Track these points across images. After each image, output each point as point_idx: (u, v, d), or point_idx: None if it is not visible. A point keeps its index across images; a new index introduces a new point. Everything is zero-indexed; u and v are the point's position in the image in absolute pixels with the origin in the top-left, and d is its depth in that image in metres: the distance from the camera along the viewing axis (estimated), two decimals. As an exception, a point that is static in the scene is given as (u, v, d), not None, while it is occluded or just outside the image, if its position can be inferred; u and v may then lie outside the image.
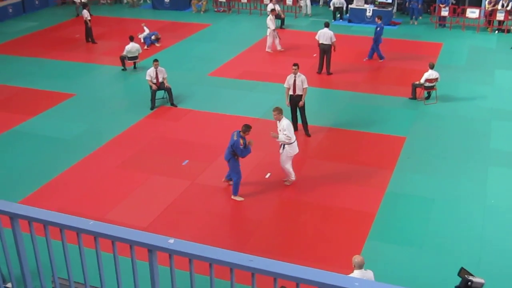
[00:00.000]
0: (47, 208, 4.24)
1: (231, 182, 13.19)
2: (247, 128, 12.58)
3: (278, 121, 13.10)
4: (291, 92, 15.55)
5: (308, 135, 15.74)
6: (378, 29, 21.82)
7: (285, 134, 12.83)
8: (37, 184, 13.56)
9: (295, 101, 15.53)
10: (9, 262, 4.36)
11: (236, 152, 12.54)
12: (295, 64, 15.58)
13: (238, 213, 12.73)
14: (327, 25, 20.63)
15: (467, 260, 10.39)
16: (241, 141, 12.46)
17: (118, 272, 4.09)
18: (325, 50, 20.48)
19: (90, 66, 22.36)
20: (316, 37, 20.56)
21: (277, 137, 12.97)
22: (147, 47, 24.26)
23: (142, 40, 24.48)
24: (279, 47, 23.46)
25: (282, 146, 13.02)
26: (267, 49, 23.43)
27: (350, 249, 10.67)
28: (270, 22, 23.08)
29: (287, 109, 15.74)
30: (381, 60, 22.14)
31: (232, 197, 12.96)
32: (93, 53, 24.34)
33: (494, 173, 13.81)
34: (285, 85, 15.66)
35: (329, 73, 20.68)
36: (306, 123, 15.78)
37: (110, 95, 19.61)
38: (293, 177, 13.36)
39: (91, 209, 12.27)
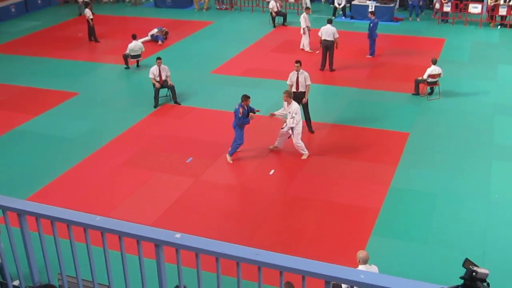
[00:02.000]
0: (53, 206, 4.26)
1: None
2: (245, 97, 13.87)
3: (287, 104, 14.05)
4: (294, 89, 15.56)
5: (311, 131, 15.74)
6: (372, 25, 21.83)
7: (294, 118, 13.77)
8: (41, 183, 13.58)
9: (298, 98, 15.51)
10: (17, 259, 4.40)
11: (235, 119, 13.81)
12: (297, 61, 15.59)
13: (243, 210, 12.74)
14: (329, 21, 20.65)
15: (471, 254, 10.32)
16: (241, 110, 13.73)
17: (126, 268, 4.11)
18: (328, 47, 20.48)
19: (93, 65, 22.39)
20: (319, 34, 20.58)
21: (282, 118, 14.15)
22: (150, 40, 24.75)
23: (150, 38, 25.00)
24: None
25: (286, 125, 14.02)
26: (306, 48, 23.12)
27: (355, 245, 10.69)
28: (303, 20, 22.89)
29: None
30: (370, 56, 22.12)
31: (227, 155, 14.26)
32: (96, 52, 24.38)
33: (498, 168, 13.81)
34: (288, 82, 15.67)
35: (332, 70, 20.68)
36: (310, 120, 15.78)
37: (114, 93, 19.63)
38: (306, 151, 14.30)
39: (96, 207, 12.28)
